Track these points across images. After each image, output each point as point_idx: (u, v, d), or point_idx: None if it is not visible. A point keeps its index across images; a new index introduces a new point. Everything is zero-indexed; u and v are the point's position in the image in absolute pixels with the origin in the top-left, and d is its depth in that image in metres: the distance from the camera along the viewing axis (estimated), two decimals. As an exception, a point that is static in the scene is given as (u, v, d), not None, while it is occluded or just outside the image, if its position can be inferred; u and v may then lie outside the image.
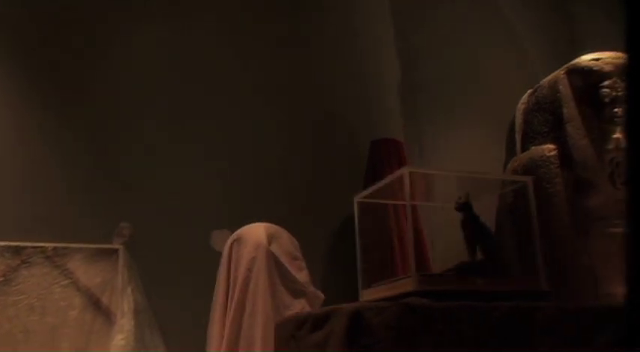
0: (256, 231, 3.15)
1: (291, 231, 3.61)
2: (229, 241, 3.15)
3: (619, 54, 3.26)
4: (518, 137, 3.68)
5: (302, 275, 3.14)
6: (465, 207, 2.54)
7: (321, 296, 3.14)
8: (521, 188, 3.56)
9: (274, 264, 3.10)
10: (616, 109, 3.17)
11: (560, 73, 3.35)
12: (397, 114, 3.96)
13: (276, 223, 3.41)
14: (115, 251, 3.71)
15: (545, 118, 3.42)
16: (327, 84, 3.87)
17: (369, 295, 2.54)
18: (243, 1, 3.85)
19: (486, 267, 2.47)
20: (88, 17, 3.80)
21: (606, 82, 3.19)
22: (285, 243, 3.21)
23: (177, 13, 3.74)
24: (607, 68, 3.21)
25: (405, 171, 2.23)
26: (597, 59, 3.25)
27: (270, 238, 3.17)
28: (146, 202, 3.74)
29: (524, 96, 3.65)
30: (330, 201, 3.63)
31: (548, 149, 3.32)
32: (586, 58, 3.27)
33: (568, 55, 3.44)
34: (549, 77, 3.43)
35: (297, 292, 3.08)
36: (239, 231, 3.18)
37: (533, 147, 3.43)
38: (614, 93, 3.18)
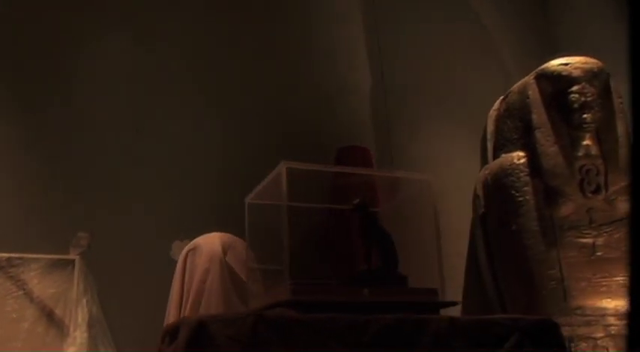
0: (211, 242, 3.04)
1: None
2: (184, 251, 3.04)
3: (588, 59, 3.16)
4: (489, 145, 3.58)
5: (257, 287, 3.03)
6: (360, 209, 2.30)
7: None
8: (492, 200, 3.45)
9: (229, 275, 3.00)
10: (585, 115, 3.07)
11: (529, 78, 3.25)
12: (368, 120, 3.86)
13: (236, 234, 3.29)
14: (72, 261, 3.60)
15: (515, 125, 3.32)
16: (294, 89, 3.77)
17: (255, 304, 2.38)
18: (207, 2, 3.75)
19: (383, 276, 2.23)
20: (51, 27, 3.69)
21: (575, 87, 3.10)
22: (241, 254, 3.09)
23: (137, 21, 3.64)
24: (576, 73, 3.11)
25: (282, 167, 2.11)
26: (566, 64, 3.15)
27: (226, 248, 3.06)
28: (104, 212, 3.62)
29: (497, 103, 3.56)
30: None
31: (518, 156, 3.21)
32: (555, 63, 3.17)
33: (544, 59, 3.32)
34: (520, 82, 3.34)
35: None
36: (194, 241, 3.07)
37: (503, 155, 3.33)
38: (582, 99, 3.08)
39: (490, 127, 3.57)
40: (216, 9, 3.71)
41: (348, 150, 3.40)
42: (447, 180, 3.89)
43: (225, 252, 3.03)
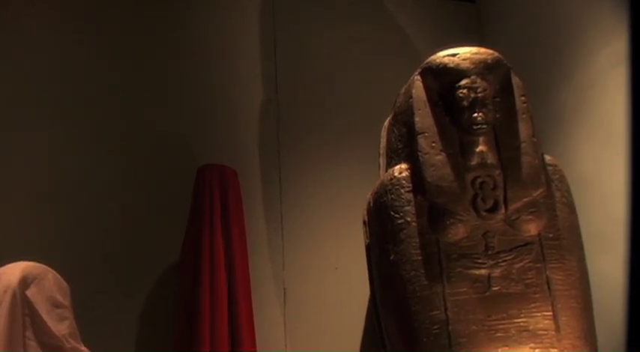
0: (11, 272, 2.55)
1: (99, 282, 2.95)
2: (-17, 282, 2.55)
3: (481, 49, 2.57)
4: (382, 161, 2.98)
5: (61, 327, 2.53)
6: None
7: (86, 352, 2.52)
8: (373, 225, 2.79)
9: (28, 311, 2.50)
10: (475, 114, 2.46)
11: (414, 74, 2.67)
12: (256, 140, 3.32)
13: (93, 268, 2.79)
14: None
15: (400, 132, 2.72)
16: (165, 103, 3.27)
17: None
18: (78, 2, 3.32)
19: None
20: None
21: (463, 82, 2.49)
22: (48, 288, 2.59)
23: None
24: (464, 65, 2.52)
25: None
26: (454, 54, 2.56)
27: (29, 280, 2.57)
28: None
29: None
30: (155, 237, 2.98)
31: (400, 169, 2.59)
32: (441, 54, 2.59)
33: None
34: (408, 82, 2.75)
35: (52, 347, 2.47)
36: (-3, 270, 2.57)
37: (389, 170, 2.71)
38: (472, 95, 2.47)
39: (383, 141, 2.98)
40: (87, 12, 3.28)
41: (206, 170, 2.86)
42: (346, 208, 3.30)
43: (26, 284, 2.55)
